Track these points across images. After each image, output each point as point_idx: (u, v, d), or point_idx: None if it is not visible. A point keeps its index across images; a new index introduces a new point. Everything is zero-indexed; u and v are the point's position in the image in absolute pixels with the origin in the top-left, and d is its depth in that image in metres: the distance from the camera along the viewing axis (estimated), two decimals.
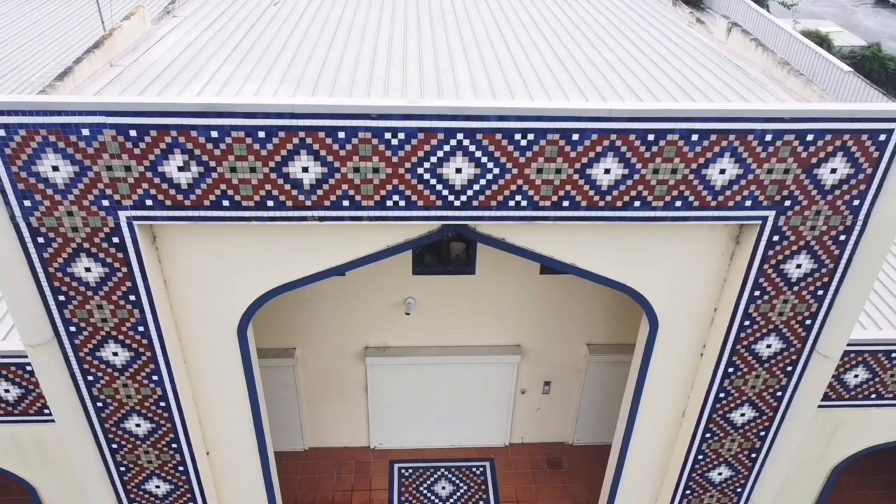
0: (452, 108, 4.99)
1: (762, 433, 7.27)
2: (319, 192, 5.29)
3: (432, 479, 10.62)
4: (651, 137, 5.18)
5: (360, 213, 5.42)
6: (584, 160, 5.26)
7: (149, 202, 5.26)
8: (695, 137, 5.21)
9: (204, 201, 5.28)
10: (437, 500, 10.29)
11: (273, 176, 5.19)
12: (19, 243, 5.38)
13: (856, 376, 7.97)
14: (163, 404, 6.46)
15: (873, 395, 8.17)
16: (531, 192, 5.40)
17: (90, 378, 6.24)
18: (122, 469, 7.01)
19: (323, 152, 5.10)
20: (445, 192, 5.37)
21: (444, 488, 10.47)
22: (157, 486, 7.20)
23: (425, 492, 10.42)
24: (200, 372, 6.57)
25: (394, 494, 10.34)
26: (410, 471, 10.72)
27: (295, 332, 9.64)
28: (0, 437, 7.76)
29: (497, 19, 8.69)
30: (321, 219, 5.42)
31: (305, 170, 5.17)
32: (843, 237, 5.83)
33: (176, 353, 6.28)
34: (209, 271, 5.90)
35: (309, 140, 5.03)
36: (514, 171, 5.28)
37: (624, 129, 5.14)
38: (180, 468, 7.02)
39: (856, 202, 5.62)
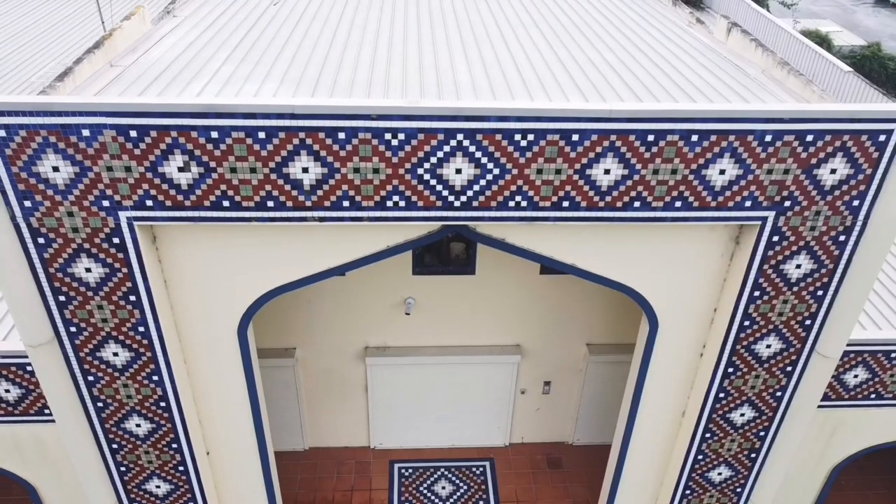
0: (452, 108, 4.99)
1: (762, 433, 7.28)
2: (319, 192, 5.29)
3: (432, 478, 10.63)
4: (651, 138, 5.19)
5: (361, 214, 5.42)
6: (584, 161, 5.27)
7: (149, 203, 5.27)
8: (695, 138, 5.21)
9: (204, 202, 5.29)
10: (437, 500, 10.30)
11: (273, 176, 5.19)
12: (20, 244, 5.39)
13: (855, 376, 7.98)
14: (163, 404, 6.47)
15: (873, 395, 8.17)
16: (531, 193, 5.40)
17: (90, 378, 6.24)
18: (123, 469, 7.01)
19: (323, 153, 5.10)
20: (445, 193, 5.37)
21: (444, 488, 10.47)
22: (158, 486, 7.20)
23: (425, 492, 10.42)
24: (201, 372, 6.57)
25: (394, 494, 10.35)
26: (410, 471, 10.73)
27: (295, 332, 9.65)
28: (0, 437, 7.76)
29: (497, 19, 8.69)
30: (321, 219, 5.43)
31: (306, 170, 5.17)
32: (842, 237, 5.83)
33: (176, 354, 6.28)
34: (209, 272, 5.91)
35: (309, 141, 5.04)
36: (514, 171, 5.29)
37: (624, 130, 5.14)
38: (180, 468, 7.03)
39: (855, 202, 5.63)
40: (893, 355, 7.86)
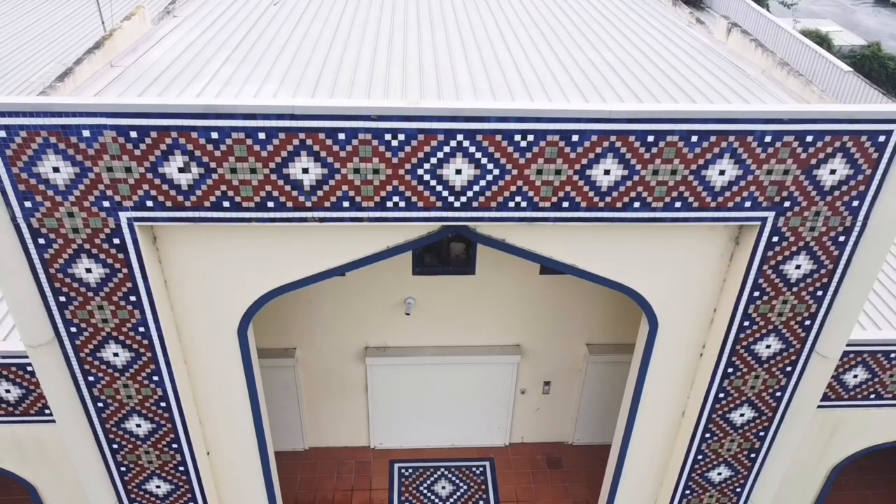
0: (452, 109, 4.99)
1: (761, 433, 7.29)
2: (320, 193, 5.30)
3: (432, 478, 10.64)
4: (651, 139, 5.19)
5: (361, 214, 5.43)
6: (584, 161, 5.27)
7: (149, 203, 5.27)
8: (694, 138, 5.22)
9: (204, 202, 5.29)
10: (437, 500, 10.31)
11: (273, 177, 5.20)
12: (20, 244, 5.39)
13: (855, 376, 7.98)
14: (163, 404, 6.47)
15: (872, 396, 8.18)
16: (531, 193, 5.41)
17: (91, 378, 6.25)
18: (123, 469, 7.02)
19: (323, 153, 5.11)
20: (445, 194, 5.38)
21: (444, 488, 10.48)
22: (158, 486, 7.21)
23: (425, 491, 10.43)
24: (201, 372, 6.58)
25: (394, 494, 10.36)
26: (410, 470, 10.74)
27: (295, 332, 9.66)
28: (1, 437, 7.77)
29: (497, 19, 8.70)
30: (321, 220, 5.43)
31: (306, 171, 5.18)
32: (842, 238, 5.84)
33: (176, 354, 6.29)
34: (210, 272, 5.92)
35: (309, 141, 5.04)
36: (514, 172, 5.29)
37: (623, 131, 5.15)
38: (181, 468, 7.04)
39: (855, 203, 5.64)
40: (893, 355, 7.87)
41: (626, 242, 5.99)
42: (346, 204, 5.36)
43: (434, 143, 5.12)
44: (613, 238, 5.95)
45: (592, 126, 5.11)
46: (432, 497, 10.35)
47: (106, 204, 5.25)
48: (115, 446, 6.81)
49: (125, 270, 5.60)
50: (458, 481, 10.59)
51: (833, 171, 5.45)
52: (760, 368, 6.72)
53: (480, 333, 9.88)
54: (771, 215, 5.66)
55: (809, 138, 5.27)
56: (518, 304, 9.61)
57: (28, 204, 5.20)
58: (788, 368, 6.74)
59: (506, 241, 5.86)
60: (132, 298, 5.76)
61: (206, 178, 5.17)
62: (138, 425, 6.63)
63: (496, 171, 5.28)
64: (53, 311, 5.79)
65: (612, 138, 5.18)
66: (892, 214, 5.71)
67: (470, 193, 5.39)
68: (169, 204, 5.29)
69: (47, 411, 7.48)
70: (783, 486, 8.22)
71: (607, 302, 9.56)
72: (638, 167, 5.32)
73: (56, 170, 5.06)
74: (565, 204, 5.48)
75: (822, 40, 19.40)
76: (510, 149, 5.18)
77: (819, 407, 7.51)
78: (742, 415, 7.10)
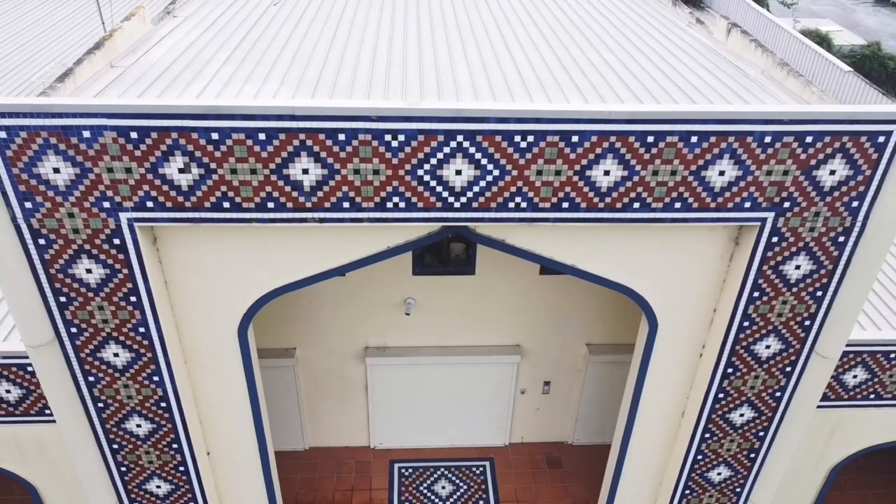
0: (452, 110, 5.00)
1: (761, 433, 7.29)
2: (320, 193, 5.30)
3: (432, 478, 10.64)
4: (650, 139, 5.20)
5: (361, 215, 5.43)
6: (584, 162, 5.28)
7: (150, 204, 5.28)
8: (694, 139, 5.22)
9: (205, 203, 5.30)
10: (437, 500, 10.31)
11: (273, 178, 5.20)
12: (20, 245, 5.40)
13: (855, 377, 7.99)
14: (163, 405, 6.48)
15: (872, 396, 8.19)
16: (531, 194, 5.41)
17: (91, 379, 6.26)
18: (123, 469, 7.03)
19: (323, 154, 5.11)
20: (445, 194, 5.38)
21: (444, 488, 10.49)
22: (158, 486, 7.22)
23: (425, 491, 10.44)
24: (201, 372, 6.59)
25: (394, 494, 10.37)
26: (410, 470, 10.75)
27: (295, 332, 9.66)
28: (1, 437, 7.77)
29: (497, 20, 8.70)
30: (322, 220, 5.44)
31: (306, 172, 5.18)
32: (841, 238, 5.84)
33: (177, 354, 6.29)
34: (210, 272, 5.92)
35: (309, 142, 5.05)
36: (514, 172, 5.30)
37: (623, 131, 5.15)
38: (181, 468, 7.04)
39: (854, 203, 5.64)
40: (892, 356, 7.88)
41: (626, 243, 6.00)
42: (346, 204, 5.37)
43: (434, 143, 5.12)
44: (613, 238, 5.96)
45: (592, 127, 5.11)
46: (432, 497, 10.36)
47: (106, 204, 5.26)
48: (115, 446, 6.82)
49: (125, 271, 5.61)
50: (458, 481, 10.60)
51: (833, 172, 5.45)
52: (760, 369, 6.73)
53: (480, 333, 9.89)
54: (770, 216, 5.67)
55: (809, 139, 5.27)
56: (518, 305, 9.61)
57: (28, 204, 5.20)
58: (788, 369, 6.75)
59: (506, 241, 5.87)
60: (132, 299, 5.77)
61: (207, 178, 5.18)
62: (138, 425, 6.64)
63: (496, 172, 5.29)
64: (54, 312, 5.79)
65: (612, 139, 5.18)
66: (892, 215, 5.72)
67: (470, 194, 5.39)
68: (169, 205, 5.29)
69: (48, 411, 7.49)
70: (783, 485, 8.23)
71: (607, 302, 9.56)
72: (638, 168, 5.33)
73: (56, 170, 5.07)
74: (565, 204, 5.48)
75: (822, 40, 19.39)
76: (510, 149, 5.18)
77: (819, 407, 7.52)
78: (742, 415, 7.10)
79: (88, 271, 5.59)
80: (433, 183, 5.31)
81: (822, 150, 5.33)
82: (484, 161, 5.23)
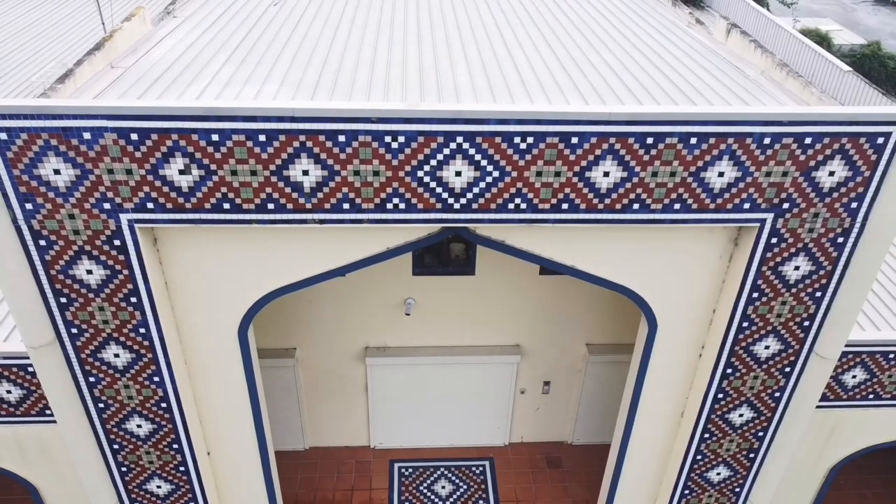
0: (452, 111, 5.01)
1: (760, 433, 7.31)
2: (320, 194, 5.31)
3: (432, 478, 10.66)
4: (650, 140, 5.21)
5: (361, 216, 5.44)
6: (583, 163, 5.28)
7: (150, 205, 5.29)
8: (693, 140, 5.23)
9: (205, 204, 5.31)
10: (436, 500, 10.33)
11: (274, 179, 5.21)
12: (21, 246, 5.41)
13: (854, 377, 8.00)
14: (164, 405, 6.49)
15: (871, 396, 8.20)
16: (530, 195, 5.42)
17: (91, 379, 6.27)
18: (124, 469, 7.04)
19: (323, 155, 5.12)
20: (445, 195, 5.39)
21: (443, 487, 10.51)
22: (159, 487, 7.23)
23: (425, 491, 10.46)
24: (201, 373, 6.60)
25: (394, 494, 10.38)
26: (410, 470, 10.76)
27: (296, 332, 9.67)
28: (2, 437, 7.79)
29: (497, 20, 8.71)
30: (322, 221, 5.45)
31: (306, 173, 5.19)
32: (840, 239, 5.85)
33: (177, 355, 6.31)
34: (210, 273, 5.93)
35: (309, 143, 5.06)
36: (514, 174, 5.31)
37: (623, 133, 5.16)
38: (181, 468, 7.06)
39: (854, 205, 5.65)
40: (891, 356, 7.89)
41: (626, 244, 6.01)
42: (346, 206, 5.38)
43: (434, 145, 5.13)
44: (613, 239, 5.97)
45: (592, 128, 5.12)
46: (432, 497, 10.37)
47: (107, 206, 5.27)
48: (115, 447, 6.83)
49: (126, 272, 5.62)
50: (457, 481, 10.62)
51: (832, 173, 5.46)
52: (759, 369, 6.74)
53: (480, 334, 9.90)
54: (770, 217, 5.68)
55: (808, 140, 5.28)
56: (518, 305, 9.63)
57: (29, 206, 5.21)
58: (787, 369, 6.76)
59: (505, 242, 5.88)
60: (133, 300, 5.78)
61: (207, 180, 5.19)
62: (139, 426, 6.65)
63: (496, 173, 5.30)
64: (54, 313, 5.80)
65: (612, 140, 5.19)
66: (891, 216, 5.73)
67: (470, 195, 5.40)
68: (169, 206, 5.30)
69: (48, 412, 7.50)
70: (782, 485, 8.25)
71: (607, 302, 9.57)
72: (637, 169, 5.34)
73: (57, 172, 5.07)
74: (564, 206, 5.49)
75: (822, 39, 19.39)
76: (510, 151, 5.19)
77: (818, 407, 7.53)
78: (741, 415, 7.12)
79: (89, 272, 5.60)
80: (433, 184, 5.32)
81: (822, 151, 5.34)
82: (484, 162, 5.23)
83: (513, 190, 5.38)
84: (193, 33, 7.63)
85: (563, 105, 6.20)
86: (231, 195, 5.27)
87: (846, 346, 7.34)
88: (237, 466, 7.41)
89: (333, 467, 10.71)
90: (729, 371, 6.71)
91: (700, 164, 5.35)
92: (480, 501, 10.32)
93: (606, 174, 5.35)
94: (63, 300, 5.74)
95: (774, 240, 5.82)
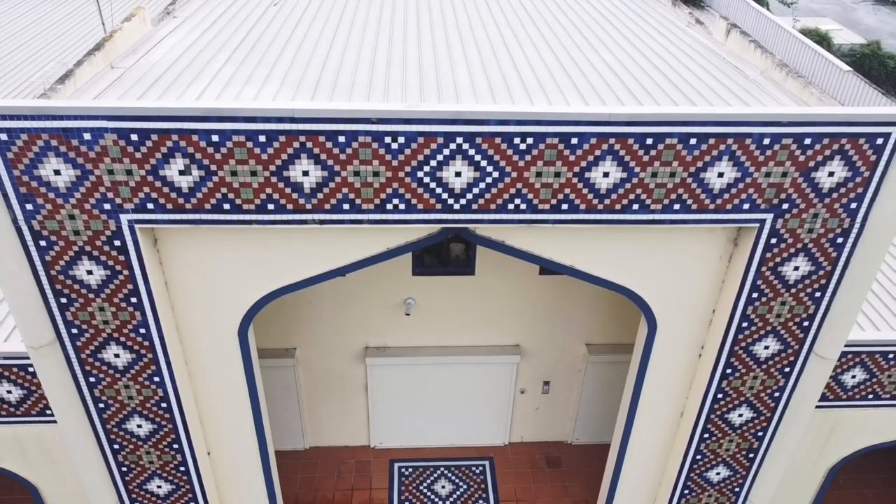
0: (452, 112, 5.01)
1: (760, 433, 7.32)
2: (320, 195, 5.32)
3: (432, 478, 10.67)
4: (649, 141, 5.21)
5: (361, 217, 5.45)
6: (583, 164, 5.29)
7: (150, 206, 5.29)
8: (693, 141, 5.24)
9: (205, 205, 5.31)
10: (436, 499, 10.34)
11: (274, 180, 5.22)
12: (21, 246, 5.42)
13: (853, 377, 8.01)
14: (164, 405, 6.50)
15: (870, 396, 8.21)
16: (530, 196, 5.43)
17: (92, 379, 6.28)
18: (124, 469, 7.05)
19: (323, 156, 5.13)
20: (445, 196, 5.40)
21: (443, 487, 10.52)
22: (159, 486, 7.24)
23: (425, 490, 10.47)
24: (202, 373, 6.60)
25: (394, 493, 10.39)
26: (410, 470, 10.77)
27: (296, 332, 9.68)
28: (2, 437, 7.80)
29: (497, 21, 8.71)
30: (321, 222, 5.46)
31: (306, 173, 5.20)
32: (840, 240, 5.86)
33: (177, 355, 6.31)
34: (210, 274, 5.94)
35: (309, 144, 5.06)
36: (514, 174, 5.31)
37: (622, 133, 5.17)
38: (182, 468, 7.06)
39: (853, 205, 5.66)
40: (891, 356, 7.90)
41: (625, 244, 6.02)
42: (346, 206, 5.38)
43: (434, 145, 5.13)
44: (612, 240, 5.98)
45: (591, 129, 5.13)
46: (432, 496, 10.38)
47: (107, 206, 5.27)
48: (116, 447, 6.84)
49: (126, 272, 5.62)
50: (457, 481, 10.63)
51: (831, 174, 5.47)
52: (759, 369, 6.75)
53: (480, 334, 9.90)
54: (769, 217, 5.68)
55: (808, 141, 5.29)
56: (517, 305, 9.63)
57: (29, 206, 5.22)
58: (787, 369, 6.77)
59: (505, 242, 5.88)
60: (133, 300, 5.79)
61: (207, 180, 5.19)
62: (139, 426, 6.66)
63: (495, 174, 5.30)
64: (55, 313, 5.81)
65: (611, 141, 5.19)
66: (890, 216, 5.74)
67: (469, 196, 5.41)
68: (170, 206, 5.31)
69: (49, 412, 7.51)
70: (781, 485, 8.26)
71: (606, 302, 9.58)
72: (637, 170, 5.34)
73: (57, 172, 5.08)
74: (564, 206, 5.50)
75: (822, 39, 19.38)
76: (509, 151, 5.20)
77: (817, 407, 7.53)
78: (741, 415, 7.13)
79: (89, 273, 5.61)
80: (433, 185, 5.33)
81: (821, 151, 5.35)
82: (483, 163, 5.24)
83: (512, 190, 5.39)
84: (193, 33, 7.63)
85: (562, 106, 6.22)
86: (231, 196, 5.28)
87: (845, 346, 7.35)
88: (237, 466, 7.42)
89: (333, 467, 10.72)
90: (728, 371, 6.72)
91: (700, 164, 5.35)
92: (480, 501, 10.33)
93: (606, 175, 5.35)
94: (63, 300, 5.74)
95: (774, 240, 5.83)
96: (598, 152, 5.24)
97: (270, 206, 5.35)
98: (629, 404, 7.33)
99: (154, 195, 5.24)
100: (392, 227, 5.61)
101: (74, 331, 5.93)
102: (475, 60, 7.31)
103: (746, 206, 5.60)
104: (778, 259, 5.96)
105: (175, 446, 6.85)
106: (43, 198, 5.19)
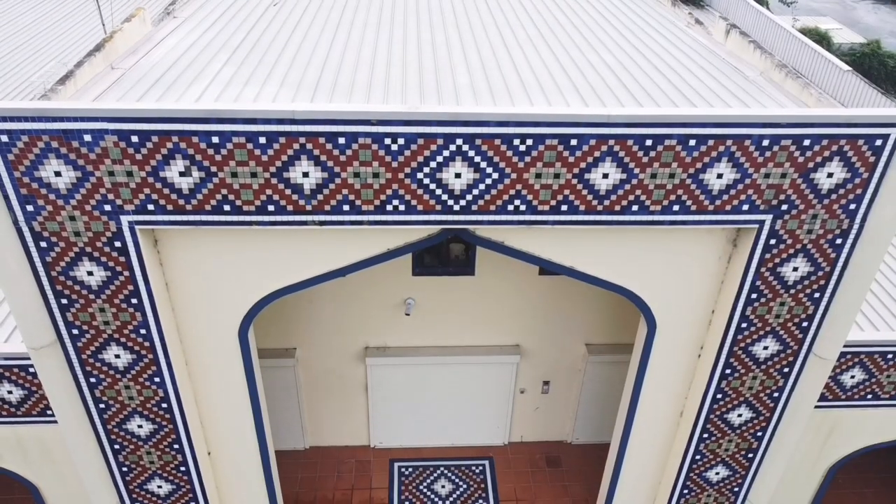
0: (452, 113, 5.02)
1: (759, 433, 7.33)
2: (320, 196, 5.33)
3: (432, 477, 10.69)
4: (649, 143, 5.22)
5: (361, 218, 5.46)
6: (583, 165, 5.30)
7: (150, 207, 5.30)
8: (692, 143, 5.25)
9: (205, 206, 5.32)
10: (436, 499, 10.36)
11: (274, 181, 5.23)
12: (22, 247, 5.43)
13: (852, 377, 8.03)
14: (165, 406, 6.51)
15: (869, 396, 8.22)
16: (530, 197, 5.44)
17: (92, 380, 6.29)
18: (125, 469, 7.07)
19: (323, 157, 5.14)
20: (445, 197, 5.41)
21: (443, 487, 10.54)
22: (159, 487, 7.26)
23: (425, 490, 10.49)
24: (202, 373, 6.62)
25: (394, 493, 10.41)
26: (410, 469, 10.79)
27: (296, 332, 9.69)
28: (3, 437, 7.81)
29: (497, 21, 8.71)
30: (322, 223, 5.47)
31: (306, 175, 5.21)
32: (839, 241, 5.87)
33: (177, 356, 6.33)
34: (211, 275, 5.95)
35: (309, 145, 5.07)
36: (513, 175, 5.32)
37: (622, 135, 5.18)
38: (182, 468, 7.08)
39: (852, 206, 5.67)
40: (890, 356, 7.91)
41: (625, 245, 6.03)
42: (346, 207, 5.39)
43: (433, 147, 5.14)
44: (612, 241, 5.99)
45: (591, 130, 5.14)
46: (432, 496, 10.40)
47: (107, 208, 5.28)
48: (116, 447, 6.85)
49: (126, 273, 5.63)
50: (457, 480, 10.65)
51: (830, 175, 5.48)
52: (758, 369, 6.76)
53: (480, 334, 9.92)
54: (768, 218, 5.70)
55: (807, 142, 5.30)
56: (517, 305, 9.64)
57: (30, 208, 5.23)
58: (786, 369, 6.78)
59: (505, 243, 5.89)
60: (133, 301, 5.80)
61: (207, 181, 5.20)
62: (140, 426, 6.68)
63: (495, 175, 5.31)
64: (55, 314, 5.82)
65: (611, 142, 5.20)
66: (889, 217, 5.75)
67: (469, 197, 5.42)
68: (170, 208, 5.32)
69: (49, 412, 7.52)
70: (781, 485, 8.27)
71: (606, 302, 9.59)
72: (636, 171, 5.35)
73: (58, 174, 5.09)
74: (564, 207, 5.51)
75: (822, 38, 19.34)
76: (509, 153, 5.21)
77: (816, 407, 7.55)
78: (740, 415, 7.14)
79: (90, 274, 5.62)
80: (433, 186, 5.34)
81: (820, 153, 5.36)
82: (483, 164, 5.25)
83: (512, 192, 5.40)
84: (193, 34, 7.63)
85: (561, 107, 6.22)
86: (231, 197, 5.29)
87: (845, 346, 7.37)
88: (237, 466, 7.43)
89: (333, 467, 10.74)
90: (728, 371, 6.73)
91: (699, 165, 5.36)
92: (480, 501, 10.34)
93: (605, 176, 5.36)
94: (64, 301, 5.75)
95: (773, 241, 5.84)
96: (597, 154, 5.25)
97: (271, 208, 5.36)
98: (629, 404, 7.34)
99: (154, 196, 5.25)
100: (392, 228, 5.63)
101: (75, 331, 5.95)
102: (475, 61, 7.32)
103: (745, 208, 5.61)
104: (777, 260, 5.97)
105: (175, 446, 6.86)
106: (44, 199, 5.20)
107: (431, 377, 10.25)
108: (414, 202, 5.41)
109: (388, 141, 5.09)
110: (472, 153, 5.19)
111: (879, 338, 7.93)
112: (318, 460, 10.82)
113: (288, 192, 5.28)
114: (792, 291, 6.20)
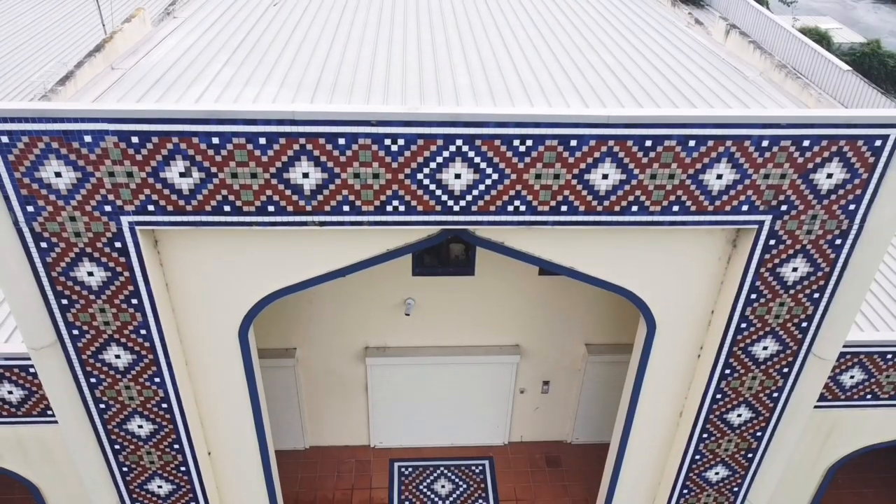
0: (451, 114, 5.03)
1: (759, 433, 7.34)
2: (320, 197, 5.33)
3: (432, 477, 10.70)
4: (648, 143, 5.23)
5: (361, 218, 5.46)
6: (582, 166, 5.31)
7: (151, 207, 5.31)
8: (692, 143, 5.25)
9: (205, 207, 5.33)
10: (436, 499, 10.37)
11: (274, 182, 5.23)
12: (22, 248, 5.43)
13: (852, 377, 8.03)
14: (165, 406, 6.52)
15: (869, 396, 8.23)
16: (530, 198, 5.44)
17: (93, 380, 6.30)
18: (125, 469, 7.07)
19: (323, 158, 5.14)
20: (445, 198, 5.41)
21: (443, 487, 10.55)
22: (160, 486, 7.26)
23: (425, 490, 10.49)
24: (202, 374, 6.63)
25: (394, 493, 10.42)
26: (410, 469, 10.80)
27: (296, 332, 9.70)
28: (4, 437, 7.82)
29: (497, 22, 8.71)
30: (322, 224, 5.47)
31: (306, 175, 5.21)
32: (838, 241, 5.88)
33: (178, 356, 6.33)
34: (211, 275, 5.96)
35: (309, 146, 5.08)
36: (513, 176, 5.33)
37: (622, 136, 5.18)
38: (182, 468, 7.09)
39: (852, 206, 5.67)
40: (889, 356, 7.92)
41: (625, 246, 6.03)
42: (346, 208, 5.40)
43: (433, 147, 5.15)
44: (611, 241, 5.99)
45: (591, 131, 5.14)
46: (432, 496, 10.41)
47: (108, 208, 5.29)
48: (117, 447, 6.86)
49: (127, 274, 5.64)
50: (457, 480, 10.66)
51: (830, 176, 5.48)
52: (757, 370, 6.77)
53: (480, 334, 9.92)
54: (768, 219, 5.70)
55: (806, 143, 5.30)
56: (517, 305, 9.65)
57: (30, 208, 5.23)
58: (785, 370, 6.79)
59: (505, 244, 5.90)
60: (134, 301, 5.80)
61: (207, 182, 5.21)
62: (140, 426, 6.68)
63: (495, 176, 5.32)
64: (56, 314, 5.83)
65: (611, 143, 5.21)
66: (889, 217, 5.76)
67: (469, 197, 5.42)
68: (170, 208, 5.32)
69: (50, 412, 7.53)
70: (780, 485, 8.28)
71: (606, 302, 9.60)
72: (636, 171, 5.36)
73: (58, 174, 5.10)
74: (563, 208, 5.51)
75: (822, 38, 19.34)
76: (509, 153, 5.21)
77: (816, 407, 7.56)
78: (739, 415, 7.15)
79: (90, 274, 5.63)
80: (432, 186, 5.34)
81: (820, 153, 5.36)
82: (483, 165, 5.26)
83: (512, 192, 5.41)
84: (193, 34, 7.64)
85: (561, 108, 6.23)
86: (231, 197, 5.29)
87: (844, 346, 7.37)
88: (238, 466, 7.44)
89: (333, 466, 10.75)
90: (727, 371, 6.74)
91: (698, 166, 5.37)
92: (480, 500, 10.35)
93: (605, 177, 5.37)
94: (64, 302, 5.76)
95: (772, 242, 5.85)
96: (597, 154, 5.25)
97: (271, 208, 5.36)
98: (628, 404, 7.35)
99: (155, 197, 5.26)
100: (392, 229, 5.63)
101: (75, 332, 5.95)
102: (475, 62, 7.32)
103: (745, 208, 5.62)
104: (776, 260, 5.98)
105: (176, 446, 6.87)
106: (44, 200, 5.20)
107: (431, 377, 10.25)
108: (414, 203, 5.42)
109: (388, 142, 5.09)
110: (471, 154, 5.20)
111: (879, 338, 7.93)
112: (318, 460, 10.83)
113: (288, 192, 5.29)
114: (791, 292, 6.21)
